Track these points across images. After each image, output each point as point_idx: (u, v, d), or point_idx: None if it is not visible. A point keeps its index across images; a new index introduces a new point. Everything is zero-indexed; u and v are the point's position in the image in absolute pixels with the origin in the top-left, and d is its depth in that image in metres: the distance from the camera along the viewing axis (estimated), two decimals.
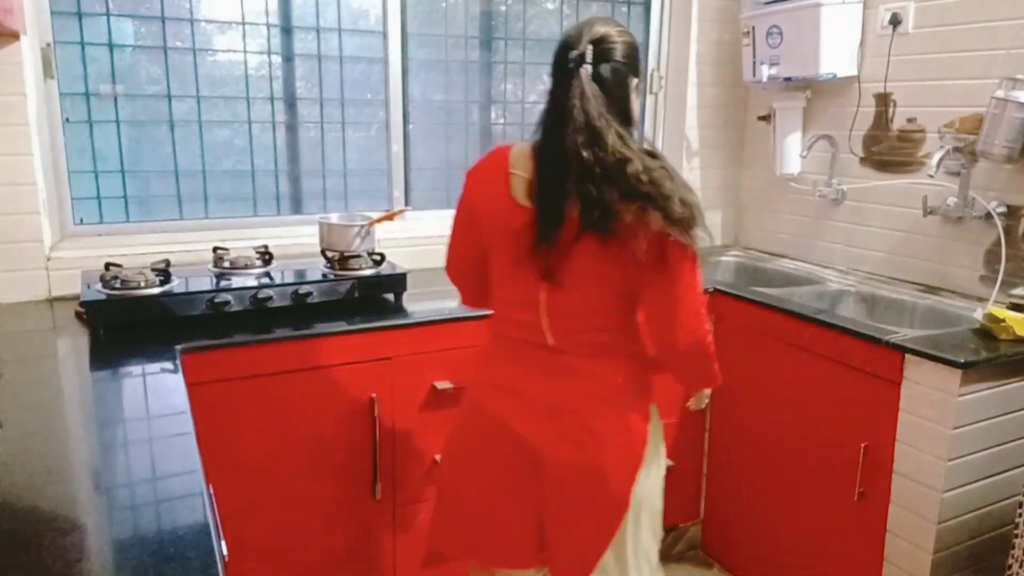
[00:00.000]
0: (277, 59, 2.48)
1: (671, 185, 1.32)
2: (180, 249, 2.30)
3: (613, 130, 1.33)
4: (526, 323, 1.49)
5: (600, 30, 1.36)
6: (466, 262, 1.61)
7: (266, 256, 2.20)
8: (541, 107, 1.43)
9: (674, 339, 1.41)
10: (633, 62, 1.40)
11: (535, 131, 1.42)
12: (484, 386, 1.58)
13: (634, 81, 1.41)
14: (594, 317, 1.46)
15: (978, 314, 1.93)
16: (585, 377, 1.47)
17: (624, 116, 1.37)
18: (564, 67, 1.35)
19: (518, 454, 1.51)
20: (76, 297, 2.08)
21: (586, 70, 1.33)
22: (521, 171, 1.42)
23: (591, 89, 1.33)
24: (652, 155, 1.36)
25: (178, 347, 1.74)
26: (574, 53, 1.34)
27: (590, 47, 1.34)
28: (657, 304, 1.42)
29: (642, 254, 1.33)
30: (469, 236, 1.56)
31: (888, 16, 2.43)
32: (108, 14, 2.24)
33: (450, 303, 2.25)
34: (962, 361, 1.70)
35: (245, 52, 2.42)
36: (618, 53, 1.36)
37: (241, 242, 2.37)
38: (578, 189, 1.32)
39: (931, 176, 2.17)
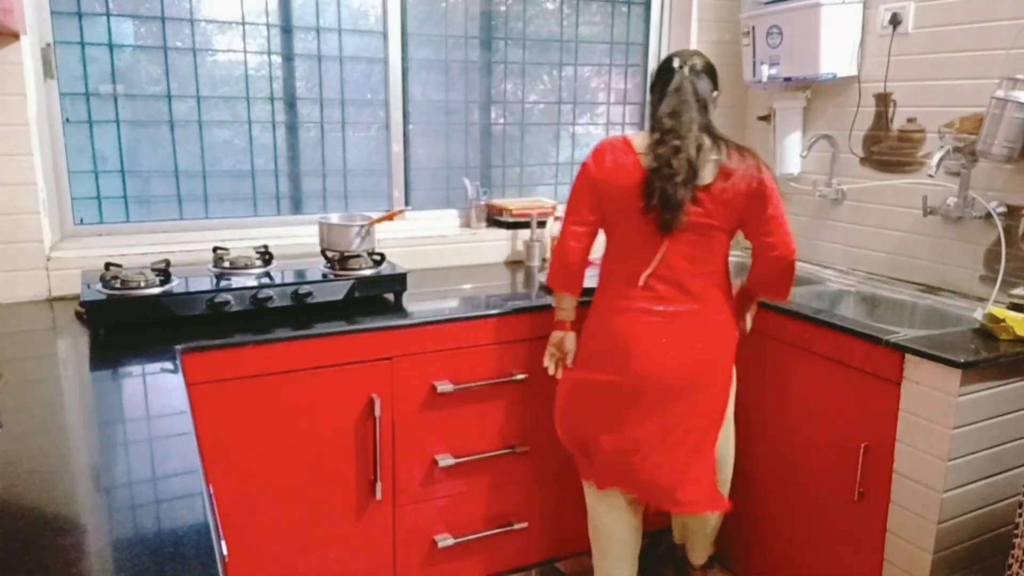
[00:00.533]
0: (277, 59, 2.48)
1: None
2: (180, 249, 2.30)
3: (692, 111, 1.87)
4: (639, 276, 1.91)
5: (693, 52, 1.98)
6: (584, 240, 1.99)
7: (266, 256, 2.20)
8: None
9: (788, 249, 1.94)
10: (712, 77, 1.95)
11: (651, 114, 1.96)
12: (604, 332, 1.96)
13: (714, 92, 1.96)
14: (702, 263, 1.92)
15: (978, 314, 1.93)
16: (696, 312, 1.92)
17: (703, 109, 1.90)
18: (670, 70, 1.92)
19: (640, 384, 1.92)
20: (76, 297, 2.08)
21: (683, 72, 1.90)
22: (643, 148, 1.89)
23: (687, 84, 1.89)
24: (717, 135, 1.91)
25: (178, 347, 1.74)
26: (677, 61, 1.93)
27: (687, 60, 1.93)
28: (766, 225, 1.92)
29: (742, 195, 1.87)
30: (595, 213, 1.97)
31: (888, 16, 2.43)
32: (108, 14, 2.24)
33: (450, 303, 2.25)
34: (962, 361, 1.70)
35: (245, 52, 2.43)
36: (700, 67, 1.93)
37: (241, 242, 2.37)
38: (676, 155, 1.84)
39: (931, 176, 2.17)
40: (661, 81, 1.94)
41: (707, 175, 1.84)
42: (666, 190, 1.81)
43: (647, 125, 1.94)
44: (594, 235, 2.00)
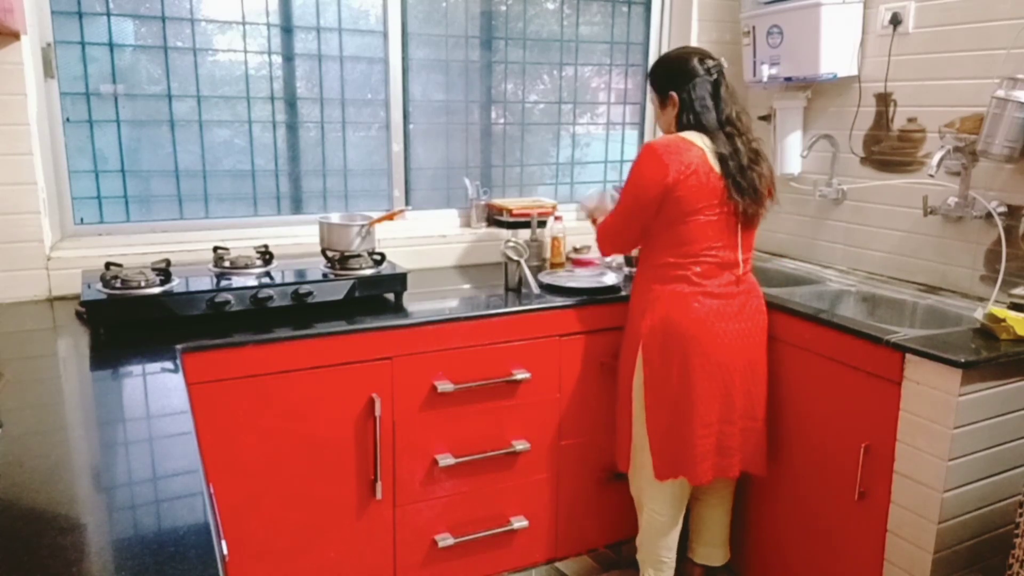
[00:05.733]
0: (277, 59, 2.48)
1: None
2: (180, 249, 2.30)
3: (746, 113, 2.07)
4: (727, 259, 2.03)
5: (706, 51, 2.07)
6: (639, 233, 2.07)
7: (266, 256, 2.20)
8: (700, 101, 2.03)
9: None
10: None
11: (698, 118, 2.00)
12: (684, 317, 2.01)
13: None
14: (752, 244, 2.10)
15: (979, 314, 1.92)
16: (750, 290, 2.10)
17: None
18: (705, 71, 2.01)
19: (715, 364, 2.03)
20: (77, 297, 2.08)
21: (722, 73, 2.02)
22: (707, 146, 1.98)
23: (729, 85, 2.04)
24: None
25: (178, 347, 1.74)
26: (711, 63, 2.02)
27: (714, 60, 2.03)
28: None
29: (770, 194, 2.08)
30: (649, 222, 2.02)
31: (888, 16, 2.43)
32: (108, 14, 2.24)
33: (450, 303, 2.25)
34: (963, 361, 1.70)
35: (245, 52, 2.43)
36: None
37: (241, 242, 2.37)
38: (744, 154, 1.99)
39: (931, 176, 2.17)
40: (696, 83, 2.00)
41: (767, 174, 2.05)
42: (755, 184, 1.98)
43: (658, 125, 2.14)
44: (642, 234, 2.10)
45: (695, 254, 2.01)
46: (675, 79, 2.04)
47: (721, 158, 1.96)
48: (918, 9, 2.37)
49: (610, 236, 2.15)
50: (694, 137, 1.99)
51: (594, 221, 2.35)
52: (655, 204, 1.97)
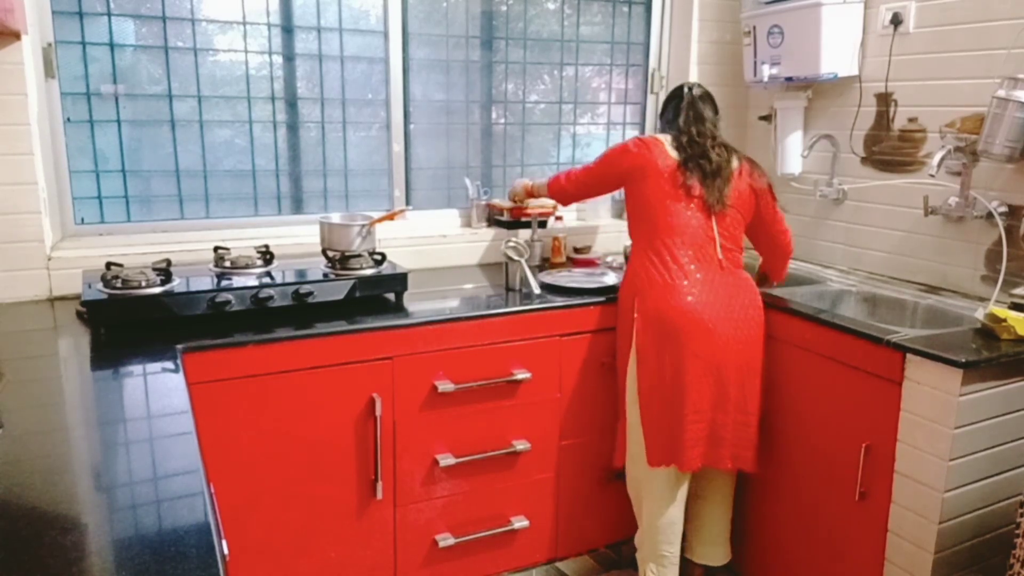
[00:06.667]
0: (278, 59, 2.48)
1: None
2: (181, 249, 2.30)
3: (707, 122, 2.25)
4: (705, 249, 2.13)
5: (695, 83, 2.35)
6: (594, 194, 2.44)
7: (267, 256, 2.20)
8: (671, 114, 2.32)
9: (788, 245, 2.34)
10: (713, 102, 2.30)
11: (667, 127, 2.31)
12: (675, 310, 2.08)
13: (716, 116, 2.30)
14: (736, 239, 2.20)
15: (979, 314, 1.92)
16: (740, 284, 2.16)
17: (713, 124, 2.26)
18: (679, 95, 2.29)
19: (709, 357, 2.08)
20: (77, 296, 2.08)
21: (691, 93, 2.27)
22: (666, 142, 2.20)
23: (697, 102, 2.26)
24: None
25: (179, 347, 1.74)
26: (685, 87, 2.29)
27: (692, 87, 2.30)
28: (772, 224, 2.28)
29: (758, 188, 2.23)
30: (608, 191, 2.43)
31: (889, 16, 2.43)
32: (109, 14, 2.24)
33: (451, 303, 2.25)
34: (963, 361, 1.70)
35: (246, 52, 2.43)
36: (701, 93, 2.29)
37: (242, 242, 2.37)
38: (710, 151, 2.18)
39: (932, 176, 2.17)
40: (673, 103, 2.30)
41: (732, 167, 2.18)
42: (706, 176, 2.14)
43: (654, 133, 2.22)
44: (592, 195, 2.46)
45: (668, 236, 2.12)
46: (666, 102, 2.37)
47: (677, 148, 2.19)
48: (918, 9, 2.37)
49: (572, 182, 2.37)
50: (661, 136, 2.24)
51: (522, 199, 2.65)
52: (618, 180, 2.28)
